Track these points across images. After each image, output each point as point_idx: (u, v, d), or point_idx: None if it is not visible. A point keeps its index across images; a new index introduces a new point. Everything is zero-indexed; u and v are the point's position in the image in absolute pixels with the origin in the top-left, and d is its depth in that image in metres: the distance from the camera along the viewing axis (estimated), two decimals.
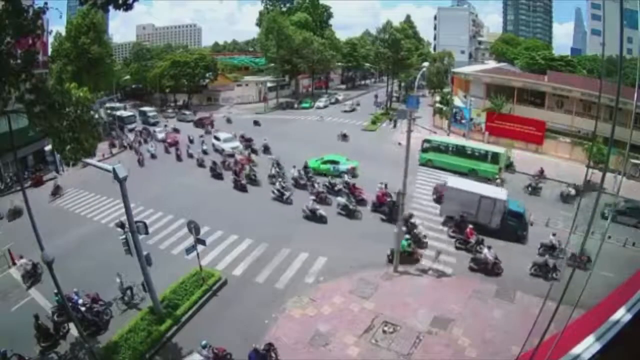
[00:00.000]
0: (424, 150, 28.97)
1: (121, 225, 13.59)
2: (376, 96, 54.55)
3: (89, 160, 13.32)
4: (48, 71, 34.48)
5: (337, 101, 59.33)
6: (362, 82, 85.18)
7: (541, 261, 15.39)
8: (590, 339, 4.41)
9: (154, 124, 46.39)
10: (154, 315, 13.28)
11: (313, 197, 21.30)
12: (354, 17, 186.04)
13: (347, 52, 69.78)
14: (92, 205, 24.08)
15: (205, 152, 31.79)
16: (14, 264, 17.20)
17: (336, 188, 23.29)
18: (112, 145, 36.46)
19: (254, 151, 32.75)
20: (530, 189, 24.31)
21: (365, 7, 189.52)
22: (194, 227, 14.59)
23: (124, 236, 13.31)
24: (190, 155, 31.89)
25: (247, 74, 70.99)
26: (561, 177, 25.45)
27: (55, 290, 11.44)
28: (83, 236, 19.80)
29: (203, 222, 17.04)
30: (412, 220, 18.50)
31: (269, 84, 63.52)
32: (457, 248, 17.44)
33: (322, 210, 20.37)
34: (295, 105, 57.35)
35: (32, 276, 16.07)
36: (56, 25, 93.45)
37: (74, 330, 12.50)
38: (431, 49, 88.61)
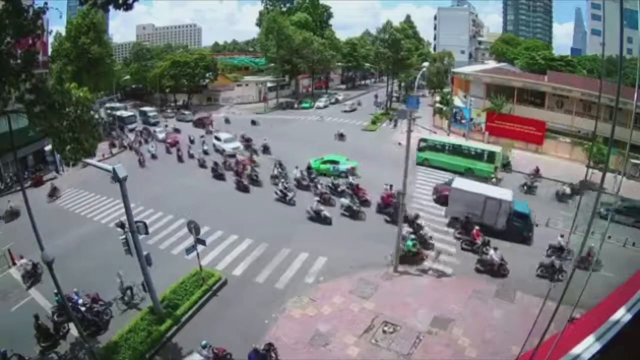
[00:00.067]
0: (421, 150, 29.00)
1: (121, 225, 13.58)
2: (376, 96, 54.60)
3: (89, 160, 13.32)
4: (48, 71, 34.47)
5: (337, 101, 59.34)
6: (362, 82, 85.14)
7: (547, 262, 15.32)
8: (590, 339, 4.41)
9: (155, 124, 46.36)
10: (154, 315, 13.28)
11: (317, 198, 21.19)
12: (354, 17, 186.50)
13: (347, 52, 69.76)
14: (92, 205, 24.08)
15: (206, 153, 31.73)
16: (14, 264, 17.21)
17: (339, 189, 23.17)
18: (112, 145, 36.44)
19: (254, 151, 32.76)
20: (525, 188, 24.36)
21: (365, 7, 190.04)
22: (194, 227, 14.60)
23: (124, 236, 13.30)
24: (192, 156, 31.83)
25: (247, 74, 70.99)
26: (561, 177, 25.42)
27: (55, 290, 11.44)
28: (83, 236, 19.80)
29: (203, 222, 17.04)
30: (419, 222, 18.39)
31: (269, 84, 63.52)
32: (463, 249, 17.33)
33: (326, 211, 20.24)
34: (295, 105, 57.35)
35: (32, 276, 16.07)
36: (56, 25, 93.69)
37: (74, 330, 12.50)
38: (431, 49, 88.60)
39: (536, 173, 26.37)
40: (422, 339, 12.40)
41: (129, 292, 14.59)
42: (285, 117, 49.88)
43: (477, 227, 17.44)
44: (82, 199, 25.24)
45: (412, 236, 16.87)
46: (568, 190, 23.32)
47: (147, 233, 14.08)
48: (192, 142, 35.40)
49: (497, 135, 34.05)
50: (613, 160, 21.94)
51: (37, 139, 27.02)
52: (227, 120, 46.27)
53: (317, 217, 20.13)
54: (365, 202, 21.65)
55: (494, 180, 25.13)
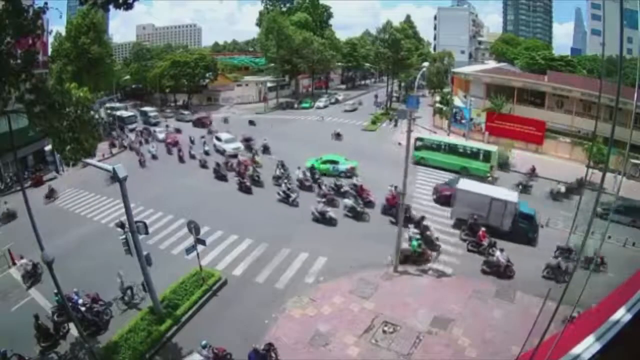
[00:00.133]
0: (417, 149, 29.02)
1: (121, 225, 13.58)
2: (376, 96, 54.63)
3: (89, 161, 13.32)
4: (48, 71, 34.46)
5: (337, 101, 59.34)
6: (362, 82, 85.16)
7: (554, 263, 15.27)
8: (590, 339, 4.41)
9: (155, 124, 46.31)
10: (154, 315, 13.28)
11: (323, 199, 21.06)
12: (354, 17, 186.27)
13: (347, 52, 69.77)
14: (92, 205, 24.07)
15: (207, 153, 31.63)
16: (14, 264, 17.21)
17: (342, 189, 23.06)
18: (112, 146, 36.42)
19: (255, 151, 32.74)
20: (521, 187, 24.41)
21: (365, 7, 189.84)
22: (194, 227, 14.60)
23: (124, 236, 13.30)
24: (193, 157, 31.70)
25: (247, 74, 70.98)
26: (560, 177, 25.42)
27: (55, 290, 11.44)
28: (83, 236, 19.80)
29: (203, 222, 17.03)
30: (425, 223, 18.29)
31: (269, 84, 63.52)
32: (469, 250, 17.26)
33: (332, 212, 20.13)
34: (295, 105, 57.34)
35: (32, 276, 16.07)
36: (56, 25, 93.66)
37: (74, 330, 12.50)
38: (431, 49, 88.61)
39: (532, 172, 26.53)
40: (422, 339, 12.40)
41: (129, 292, 14.59)
42: (285, 117, 49.87)
43: (483, 229, 17.39)
44: (82, 199, 25.24)
45: (418, 236, 16.86)
46: (563, 189, 23.46)
47: (147, 233, 14.08)
48: (192, 142, 35.26)
49: (497, 135, 34.05)
50: (613, 160, 21.92)
51: (37, 139, 27.01)
52: (225, 120, 46.24)
53: (322, 219, 20.00)
54: (369, 203, 21.55)
55: (489, 179, 25.28)
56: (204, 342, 11.33)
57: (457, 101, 41.62)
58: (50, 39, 39.67)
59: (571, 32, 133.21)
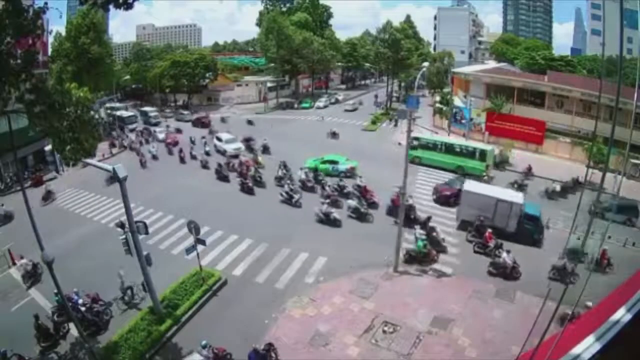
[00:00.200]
0: (412, 148, 28.99)
1: (121, 225, 13.58)
2: (376, 96, 54.68)
3: (89, 161, 13.32)
4: (48, 71, 34.47)
5: (337, 101, 59.37)
6: (362, 82, 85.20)
7: (560, 264, 15.25)
8: (590, 339, 4.41)
9: (156, 124, 46.24)
10: (154, 315, 13.28)
11: (327, 200, 20.95)
12: (354, 17, 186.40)
13: (347, 52, 69.79)
14: (92, 205, 24.06)
15: (208, 154, 31.54)
16: (14, 264, 17.21)
17: (345, 190, 22.97)
18: (112, 146, 36.40)
19: (253, 150, 32.74)
20: (516, 185, 24.47)
21: (365, 7, 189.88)
22: (194, 227, 14.59)
23: (124, 236, 13.29)
24: (194, 157, 31.59)
25: (247, 74, 70.98)
26: (560, 177, 25.45)
27: (55, 290, 11.44)
28: (83, 236, 19.79)
29: (203, 223, 17.03)
30: (431, 224, 18.23)
31: (269, 84, 63.52)
32: (475, 252, 17.22)
33: (336, 213, 20.03)
34: (295, 105, 57.36)
35: (32, 276, 16.06)
36: (56, 25, 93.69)
37: (74, 330, 12.49)
38: (431, 49, 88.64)
39: (528, 171, 26.67)
40: (422, 339, 12.40)
41: (129, 292, 14.59)
42: (285, 117, 49.87)
43: (489, 230, 17.36)
44: (82, 199, 25.23)
45: (423, 236, 16.86)
46: (558, 187, 23.55)
47: (147, 233, 14.08)
48: (193, 142, 35.18)
49: (497, 135, 34.07)
50: (613, 160, 21.94)
51: (37, 139, 26.99)
52: (223, 120, 46.22)
53: (327, 220, 19.89)
54: (372, 204, 21.45)
55: (485, 178, 25.44)
56: (204, 342, 11.33)
57: (457, 101, 41.63)
58: (50, 39, 39.74)
59: (571, 32, 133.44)
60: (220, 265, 16.82)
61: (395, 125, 42.05)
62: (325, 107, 55.45)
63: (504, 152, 30.35)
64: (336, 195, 22.23)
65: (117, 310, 14.19)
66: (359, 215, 20.39)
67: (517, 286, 14.98)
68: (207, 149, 32.49)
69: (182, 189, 25.48)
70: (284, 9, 73.20)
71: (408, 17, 76.23)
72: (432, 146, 28.84)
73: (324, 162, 27.27)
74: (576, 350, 4.40)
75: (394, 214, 20.16)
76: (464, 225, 19.30)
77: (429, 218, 18.60)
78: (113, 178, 26.05)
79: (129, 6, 8.62)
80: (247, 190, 24.58)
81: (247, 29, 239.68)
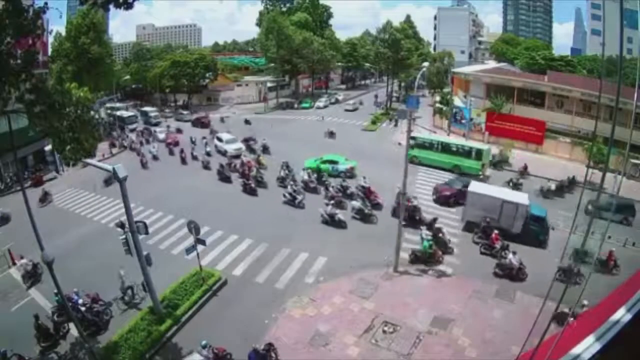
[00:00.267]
0: (410, 147, 29.06)
1: (121, 225, 13.58)
2: (376, 96, 54.73)
3: (89, 161, 13.31)
4: (48, 71, 34.49)
5: (337, 101, 59.38)
6: (362, 82, 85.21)
7: (566, 266, 15.23)
8: (590, 339, 4.41)
9: (156, 124, 46.19)
10: (154, 315, 13.28)
11: (332, 202, 20.82)
12: (354, 17, 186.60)
13: (347, 52, 69.81)
14: (92, 205, 24.06)
15: (209, 154, 31.44)
16: (14, 264, 17.21)
17: (348, 191, 22.90)
18: (112, 146, 36.39)
19: (253, 151, 32.72)
20: (511, 184, 24.57)
21: (365, 7, 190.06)
22: (194, 227, 14.59)
23: (124, 236, 13.30)
24: (195, 157, 31.47)
25: (247, 74, 70.98)
26: (559, 177, 25.48)
27: (55, 290, 11.43)
28: (83, 236, 19.79)
29: (203, 223, 17.03)
30: (437, 225, 18.22)
31: (269, 84, 63.52)
32: (482, 253, 17.18)
33: (341, 214, 19.91)
34: (295, 105, 57.36)
35: (32, 276, 16.05)
36: (56, 25, 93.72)
37: (74, 330, 12.49)
38: (431, 49, 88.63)
39: (524, 170, 26.83)
40: (422, 339, 12.40)
41: (129, 292, 14.59)
42: (285, 117, 49.87)
43: (496, 231, 17.35)
44: (82, 199, 25.22)
45: (430, 237, 16.87)
46: (553, 186, 23.71)
47: (147, 233, 14.08)
48: (193, 142, 35.06)
49: (497, 135, 34.08)
50: (613, 160, 21.95)
51: (37, 139, 26.99)
52: (222, 120, 46.21)
53: (332, 221, 19.77)
54: (376, 205, 21.38)
55: (481, 177, 25.64)
56: (204, 342, 11.33)
57: (457, 101, 41.63)
58: (50, 39, 39.76)
59: (571, 32, 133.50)
60: (220, 265, 16.81)
61: (396, 125, 42.06)
62: (325, 107, 55.45)
63: (504, 152, 30.39)
64: (340, 196, 22.13)
65: (117, 310, 14.19)
66: (363, 217, 20.26)
67: (517, 286, 14.98)
68: (208, 149, 32.36)
69: (183, 189, 25.43)
70: (284, 9, 73.17)
71: (408, 17, 76.24)
72: (429, 145, 28.94)
73: (324, 162, 27.25)
74: (576, 350, 4.40)
75: (398, 215, 20.10)
76: (467, 226, 19.27)
77: (435, 219, 18.59)
78: (111, 179, 26.19)
79: (129, 6, 8.62)
80: (249, 191, 24.41)
81: (247, 29, 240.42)
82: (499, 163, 29.29)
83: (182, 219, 19.31)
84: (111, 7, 8.73)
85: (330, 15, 76.19)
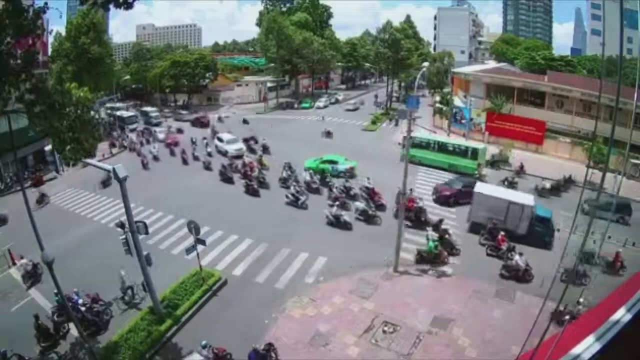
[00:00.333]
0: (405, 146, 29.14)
1: (121, 225, 13.57)
2: (376, 96, 54.77)
3: (89, 160, 13.32)
4: (48, 71, 34.47)
5: (337, 101, 59.40)
6: (362, 82, 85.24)
7: (568, 266, 15.21)
8: (590, 339, 4.41)
9: (157, 125, 46.11)
10: (154, 315, 13.27)
11: (337, 202, 20.70)
12: (354, 17, 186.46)
13: (347, 52, 69.83)
14: (92, 205, 24.05)
15: (210, 155, 31.32)
16: (14, 264, 17.20)
17: (351, 192, 22.83)
18: (112, 146, 36.37)
19: (253, 151, 32.69)
20: (506, 183, 24.61)
21: (365, 7, 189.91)
22: (194, 227, 14.59)
23: (124, 236, 13.29)
24: (196, 158, 31.34)
25: (247, 74, 71.01)
26: (558, 177, 25.50)
27: (55, 290, 11.43)
28: (83, 236, 19.79)
29: (203, 223, 17.01)
30: (444, 227, 18.20)
31: (269, 84, 63.54)
32: (488, 255, 17.17)
33: (346, 216, 19.81)
34: (295, 105, 57.37)
35: (32, 276, 16.04)
36: (56, 25, 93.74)
37: (74, 330, 12.49)
38: (431, 49, 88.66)
39: (520, 169, 27.01)
40: (422, 339, 12.40)
41: (129, 291, 14.58)
42: (285, 117, 49.88)
43: (502, 233, 17.31)
44: (82, 199, 25.21)
45: (435, 237, 16.87)
46: (547, 185, 23.89)
47: (147, 233, 14.07)
48: (194, 143, 34.92)
49: (497, 135, 34.09)
50: (613, 160, 21.97)
51: (37, 139, 26.96)
52: (220, 119, 46.23)
53: (337, 222, 19.65)
54: (380, 206, 21.29)
55: (477, 176, 25.81)
56: (204, 342, 11.33)
57: (457, 101, 41.64)
58: (50, 39, 39.74)
59: (571, 32, 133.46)
60: (220, 265, 16.81)
61: (396, 125, 42.09)
62: (325, 107, 55.46)
63: (504, 152, 30.41)
64: (344, 197, 22.02)
65: (117, 310, 14.19)
66: (367, 218, 20.13)
67: (517, 286, 14.98)
68: (209, 150, 32.25)
69: (184, 189, 25.37)
70: (284, 9, 73.19)
71: (408, 17, 76.29)
72: (426, 145, 29.03)
73: (323, 162, 27.24)
74: (576, 350, 4.40)
75: (405, 216, 20.03)
76: (472, 228, 19.22)
77: (440, 220, 18.59)
78: (108, 180, 26.15)
79: (129, 6, 8.62)
80: (252, 192, 24.21)
81: (247, 29, 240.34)
82: (496, 162, 29.40)
83: (183, 219, 19.30)
84: (111, 7, 8.73)
85: (330, 15, 76.23)
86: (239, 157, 30.40)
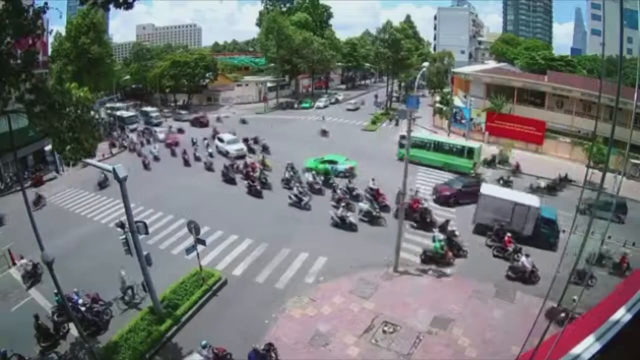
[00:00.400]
0: (401, 146, 29.04)
1: (121, 225, 13.57)
2: (376, 96, 54.80)
3: (89, 160, 13.31)
4: (48, 71, 34.47)
5: (337, 101, 59.42)
6: (362, 82, 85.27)
7: (579, 268, 15.14)
8: (590, 339, 4.41)
9: (157, 125, 46.07)
10: (154, 315, 13.27)
11: (342, 204, 20.57)
12: (354, 17, 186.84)
13: (347, 52, 69.87)
14: (92, 205, 24.04)
15: (211, 156, 31.19)
16: (14, 264, 17.20)
17: (355, 193, 22.77)
18: (112, 146, 36.37)
19: (252, 151, 32.67)
20: (502, 182, 24.68)
21: (365, 7, 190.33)
22: (194, 227, 14.59)
23: (124, 236, 13.30)
24: (198, 159, 31.26)
25: (247, 74, 71.02)
26: (553, 176, 25.52)
27: (55, 290, 11.43)
28: (83, 236, 19.79)
29: (203, 223, 17.01)
30: (450, 228, 18.11)
31: (269, 84, 63.55)
32: (494, 256, 17.14)
33: (352, 217, 19.66)
34: (295, 105, 57.38)
35: (32, 276, 16.04)
36: (56, 25, 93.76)
37: (74, 330, 12.49)
38: (431, 49, 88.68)
39: (516, 169, 27.17)
40: (422, 339, 12.40)
41: (129, 291, 14.58)
42: (285, 117, 49.88)
43: (509, 234, 17.26)
44: (82, 199, 25.21)
45: (441, 237, 16.84)
46: (542, 184, 24.03)
47: (147, 233, 14.08)
48: (194, 143, 34.82)
49: (497, 135, 34.10)
50: (613, 160, 21.96)
51: (37, 139, 26.97)
52: (218, 119, 46.11)
53: (342, 224, 19.55)
54: (384, 207, 21.22)
55: (473, 175, 25.96)
56: (204, 342, 11.32)
57: (457, 101, 41.63)
58: (50, 39, 39.76)
59: (571, 32, 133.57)
60: (220, 265, 16.81)
61: (397, 124, 42.07)
62: (325, 107, 55.48)
63: (504, 152, 30.40)
64: (347, 198, 21.93)
65: (117, 310, 14.19)
66: (371, 219, 20.01)
67: (517, 286, 14.97)
68: (210, 150, 32.16)
69: (184, 190, 25.31)
70: (284, 9, 73.21)
71: (408, 17, 76.36)
72: (422, 144, 29.01)
73: (323, 162, 27.21)
74: (576, 350, 4.40)
75: (408, 217, 19.98)
76: (477, 229, 19.13)
77: (447, 221, 18.57)
78: (105, 181, 26.10)
79: (129, 6, 8.62)
80: (254, 193, 24.04)
81: (247, 29, 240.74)
82: (493, 162, 29.47)
83: (183, 219, 19.29)
84: (111, 7, 8.73)
85: (330, 15, 76.27)
86: (241, 157, 30.31)
